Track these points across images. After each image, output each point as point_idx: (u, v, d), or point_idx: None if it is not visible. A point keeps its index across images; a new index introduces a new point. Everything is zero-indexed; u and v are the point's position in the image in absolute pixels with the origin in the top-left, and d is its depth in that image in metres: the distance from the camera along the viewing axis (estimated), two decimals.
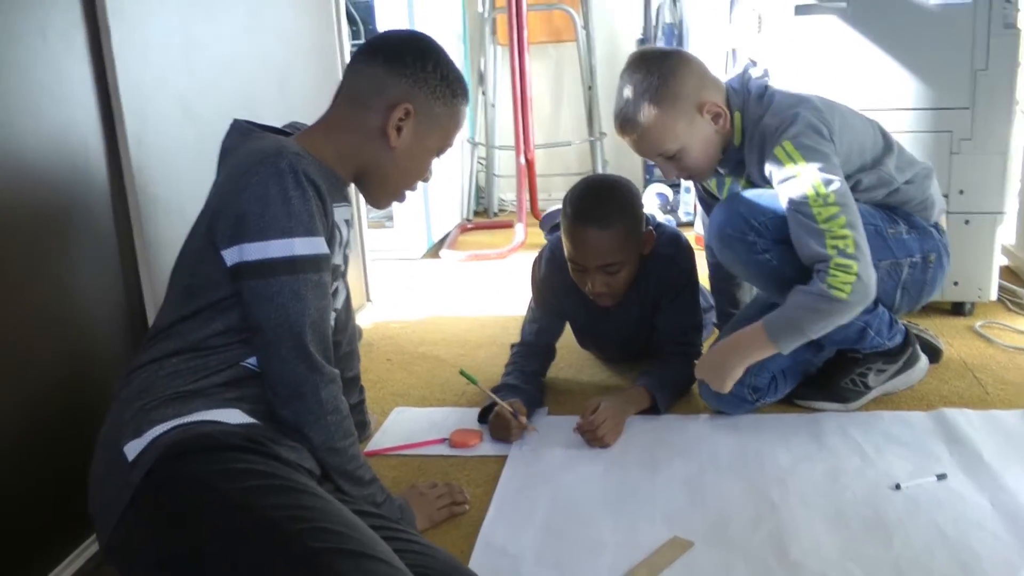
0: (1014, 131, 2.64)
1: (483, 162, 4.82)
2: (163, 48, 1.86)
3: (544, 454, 2.04)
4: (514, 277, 3.59)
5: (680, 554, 1.63)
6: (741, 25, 3.06)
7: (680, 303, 2.29)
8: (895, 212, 2.13)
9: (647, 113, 1.98)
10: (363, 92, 1.56)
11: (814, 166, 1.92)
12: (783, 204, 1.97)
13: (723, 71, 2.13)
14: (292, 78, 2.49)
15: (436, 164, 1.68)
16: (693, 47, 4.15)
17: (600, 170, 4.60)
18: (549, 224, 2.44)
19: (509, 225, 4.43)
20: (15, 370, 1.50)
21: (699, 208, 2.99)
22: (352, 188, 1.66)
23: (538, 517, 1.78)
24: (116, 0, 1.68)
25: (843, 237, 1.90)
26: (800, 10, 2.63)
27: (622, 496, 1.85)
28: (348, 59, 2.86)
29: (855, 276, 1.89)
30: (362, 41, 3.75)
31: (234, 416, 1.41)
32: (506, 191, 4.90)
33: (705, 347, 2.33)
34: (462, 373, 2.18)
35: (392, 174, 1.62)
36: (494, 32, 4.56)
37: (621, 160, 4.57)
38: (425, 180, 1.69)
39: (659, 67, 1.98)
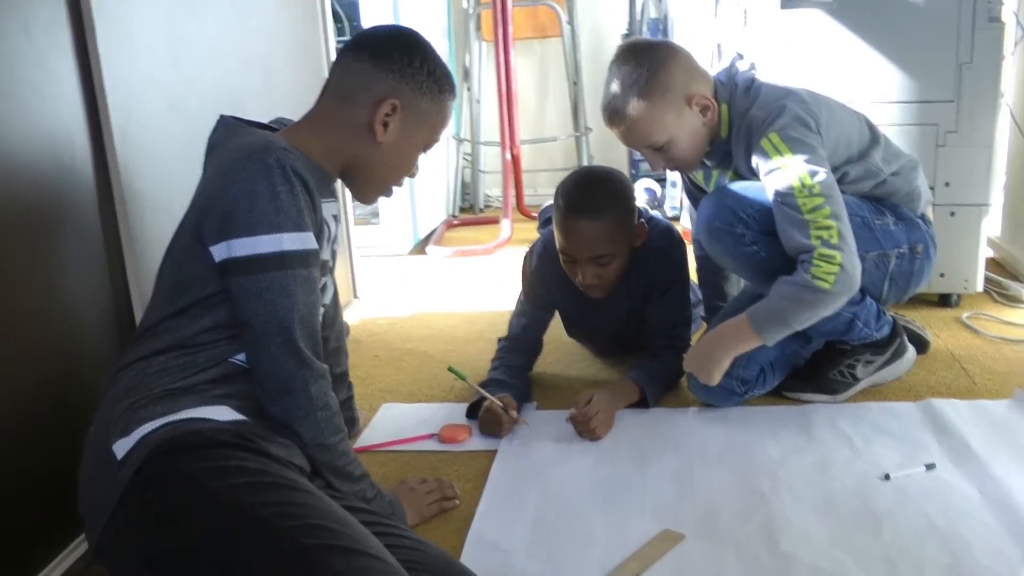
0: (999, 124, 2.65)
1: (468, 158, 4.82)
2: (148, 44, 1.85)
3: (534, 448, 2.04)
4: (501, 273, 3.58)
5: (671, 547, 1.63)
6: (726, 20, 3.06)
7: (671, 297, 2.30)
8: (882, 204, 2.14)
9: (636, 105, 1.98)
10: (350, 88, 1.56)
11: (800, 158, 1.93)
12: (769, 196, 1.98)
13: (709, 66, 2.13)
14: (277, 74, 2.48)
15: (422, 160, 1.68)
16: (678, 42, 4.14)
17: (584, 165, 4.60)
18: (543, 219, 2.44)
19: (495, 221, 4.43)
20: (1, 369, 1.49)
21: (686, 202, 2.99)
22: (339, 184, 1.65)
23: (529, 511, 1.78)
24: None
25: (827, 228, 1.90)
26: (786, 4, 2.63)
27: (612, 490, 1.85)
28: (333, 56, 2.88)
29: (839, 266, 1.89)
30: (347, 38, 3.75)
31: (223, 413, 1.40)
32: (491, 187, 4.90)
33: (694, 340, 2.33)
34: (450, 370, 2.17)
35: (379, 169, 1.61)
36: (479, 28, 4.55)
37: (607, 155, 4.57)
38: (412, 175, 1.68)
39: (648, 59, 1.99)
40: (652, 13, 4.39)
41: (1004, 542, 1.58)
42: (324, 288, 1.59)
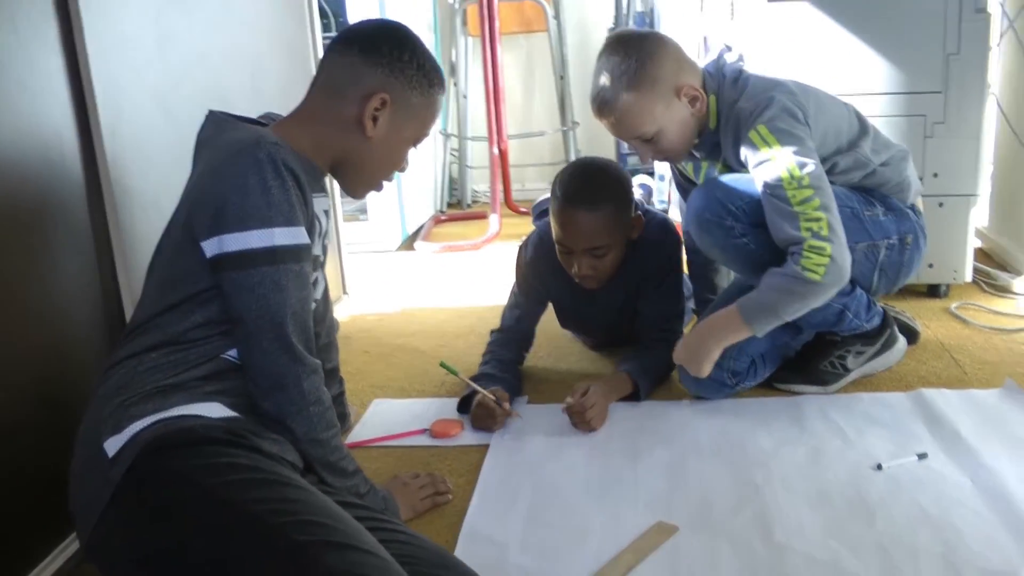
0: (986, 114, 2.65)
1: (455, 153, 4.81)
2: (136, 40, 1.84)
3: (526, 443, 2.04)
4: (489, 267, 3.58)
5: (665, 539, 1.63)
6: (713, 13, 3.06)
7: (664, 290, 2.30)
8: (872, 194, 2.14)
9: (625, 96, 1.98)
10: (339, 82, 1.55)
11: (788, 149, 1.93)
12: (758, 188, 1.98)
13: (696, 59, 2.13)
14: (264, 70, 2.47)
15: (412, 155, 1.67)
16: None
17: (573, 159, 4.59)
18: (538, 212, 2.44)
19: (482, 216, 4.42)
20: None
21: (674, 196, 2.99)
22: (329, 179, 1.65)
23: (522, 505, 1.78)
24: None
25: (817, 219, 1.90)
26: None
27: (605, 483, 1.85)
28: (320, 52, 2.88)
29: (829, 258, 1.90)
30: (333, 34, 3.73)
31: (215, 410, 1.39)
32: (479, 182, 4.90)
33: (685, 332, 2.34)
34: (442, 365, 2.17)
35: (368, 164, 1.61)
36: (465, 23, 4.55)
37: (594, 149, 4.57)
38: (402, 170, 1.67)
39: (637, 50, 1.98)
40: (638, 7, 4.38)
41: (997, 530, 1.59)
42: (315, 283, 1.59)
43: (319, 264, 1.62)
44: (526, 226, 4.01)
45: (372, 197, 3.74)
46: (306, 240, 1.45)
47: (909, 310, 2.58)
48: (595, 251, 2.15)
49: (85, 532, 1.34)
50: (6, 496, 1.51)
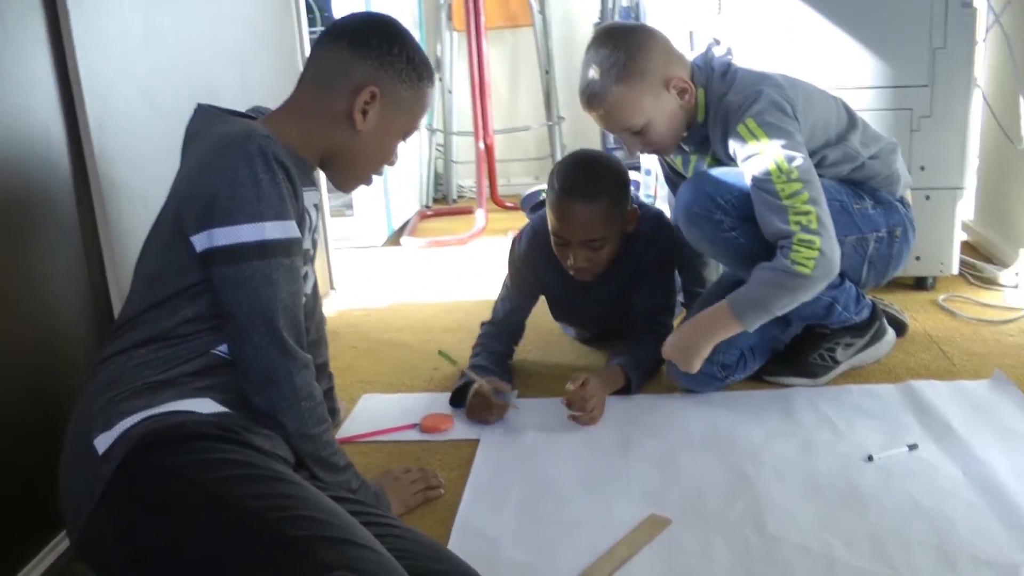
0: (972, 108, 2.66)
1: (441, 149, 4.80)
2: (123, 33, 1.83)
3: (516, 436, 2.03)
4: (476, 262, 3.58)
5: (659, 531, 1.63)
6: (699, 7, 3.05)
7: (657, 283, 2.31)
8: (861, 187, 2.15)
9: (614, 88, 1.98)
10: (328, 75, 1.54)
11: (777, 143, 1.93)
12: (747, 182, 1.98)
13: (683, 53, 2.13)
14: (251, 64, 2.45)
15: (400, 148, 1.66)
16: None
17: (559, 155, 4.59)
18: (529, 205, 2.44)
19: (468, 211, 4.42)
20: None
21: (660, 191, 2.99)
22: (317, 173, 1.64)
23: (514, 499, 1.78)
24: None
25: (806, 213, 1.91)
26: None
27: (597, 476, 1.84)
28: (307, 46, 2.86)
29: (818, 251, 1.90)
30: (319, 29, 3.72)
31: (206, 405, 1.38)
32: (464, 177, 4.88)
33: (675, 324, 2.34)
34: (441, 354, 2.16)
35: (358, 158, 1.60)
36: (450, 18, 4.53)
37: (580, 143, 4.53)
38: (391, 164, 1.66)
39: (626, 42, 1.98)
40: (624, 1, 4.37)
41: (989, 521, 1.60)
42: (306, 277, 1.58)
43: (309, 258, 1.61)
44: (512, 221, 4.03)
45: (357, 193, 3.73)
46: (297, 234, 1.44)
47: (896, 302, 2.59)
48: (592, 243, 2.15)
49: (75, 529, 1.32)
50: None
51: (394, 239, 4.07)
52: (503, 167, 4.65)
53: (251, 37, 2.50)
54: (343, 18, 1.62)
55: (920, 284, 2.83)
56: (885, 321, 2.26)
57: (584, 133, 4.45)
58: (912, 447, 1.85)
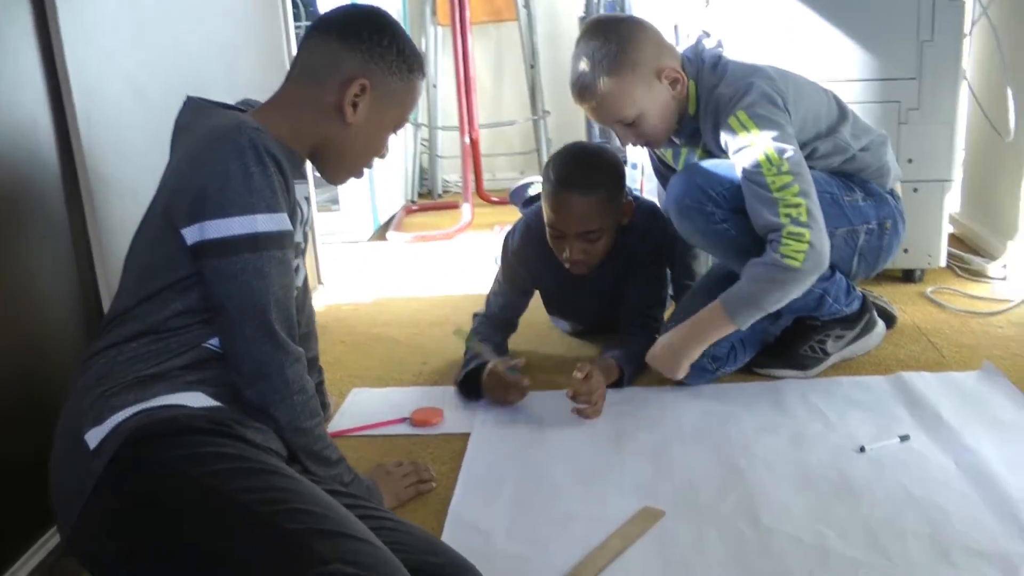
0: (960, 101, 2.67)
1: (426, 143, 4.78)
2: (111, 26, 1.81)
3: (508, 429, 2.03)
4: (462, 257, 3.57)
5: (652, 524, 1.63)
6: (684, 1, 3.05)
7: (650, 277, 2.31)
8: (851, 179, 2.15)
9: (606, 80, 1.97)
10: (317, 68, 1.52)
11: (768, 135, 1.93)
12: (738, 174, 1.98)
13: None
14: (238, 58, 2.44)
15: (391, 141, 1.65)
16: None
17: (545, 149, 4.59)
18: (518, 199, 2.44)
19: (454, 206, 4.40)
20: None
21: (647, 185, 2.99)
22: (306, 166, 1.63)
23: (506, 492, 1.77)
24: None
25: (796, 206, 1.91)
26: None
27: (589, 469, 1.84)
28: (293, 39, 2.85)
29: (808, 244, 1.90)
30: (303, 23, 3.70)
31: (198, 399, 1.37)
32: (449, 172, 4.87)
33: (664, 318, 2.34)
34: (457, 333, 2.15)
35: (349, 150, 1.58)
36: (434, 12, 4.51)
37: (565, 138, 4.50)
38: (382, 156, 1.65)
39: (617, 33, 1.98)
40: None
41: (982, 511, 1.60)
42: (297, 270, 1.57)
43: (300, 251, 1.59)
44: (498, 215, 4.03)
45: (343, 188, 3.74)
46: (288, 227, 1.43)
47: (885, 295, 2.59)
48: (588, 235, 2.15)
49: (67, 525, 1.31)
50: None
51: (380, 234, 4.05)
52: (488, 162, 4.64)
53: (238, 31, 2.48)
54: (332, 10, 1.61)
55: (908, 276, 2.83)
56: (875, 313, 2.27)
57: (569, 127, 4.44)
58: (904, 438, 1.85)
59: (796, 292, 1.96)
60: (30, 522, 1.57)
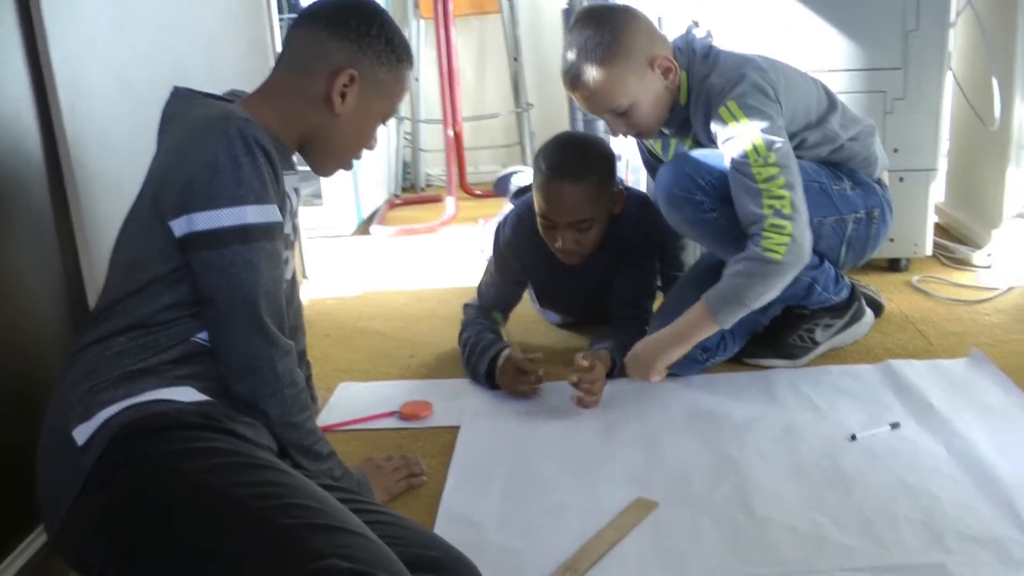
0: (945, 90, 2.68)
1: (409, 137, 4.76)
2: (96, 16, 1.78)
3: (497, 421, 2.02)
4: (447, 251, 3.55)
5: (646, 514, 1.63)
6: None
7: (641, 267, 2.31)
8: (840, 169, 2.15)
9: (599, 69, 1.96)
10: (306, 58, 1.51)
11: (757, 126, 1.93)
12: (727, 163, 1.97)
13: None
14: (222, 49, 2.42)
15: (380, 132, 1.64)
16: None
17: (528, 142, 4.58)
18: (502, 189, 2.42)
19: (437, 199, 4.39)
20: None
21: (630, 176, 2.98)
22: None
23: (498, 484, 1.77)
24: None
25: (780, 197, 1.90)
26: None
27: (581, 460, 1.84)
28: (276, 30, 2.83)
29: (789, 237, 1.89)
30: (287, 15, 3.67)
31: (187, 394, 1.35)
32: (432, 166, 4.85)
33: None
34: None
35: (337, 141, 1.57)
36: (417, 5, 4.49)
37: (549, 131, 4.49)
38: (370, 147, 1.64)
39: (610, 22, 1.97)
40: None
41: (974, 497, 1.61)
42: (286, 263, 1.55)
43: (290, 243, 1.58)
44: (482, 208, 4.01)
45: (327, 182, 3.73)
46: (278, 218, 1.41)
47: (871, 284, 2.60)
48: (579, 224, 2.14)
49: (54, 524, 1.29)
50: None
51: (363, 228, 4.03)
52: (471, 155, 4.63)
53: (222, 22, 2.46)
54: (321, 0, 1.59)
55: (894, 265, 2.84)
56: (864, 302, 2.27)
57: (552, 120, 4.44)
58: (894, 426, 1.86)
59: (778, 286, 1.95)
60: (15, 521, 1.54)
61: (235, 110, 1.40)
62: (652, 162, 2.43)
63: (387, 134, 4.55)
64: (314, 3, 1.57)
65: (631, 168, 2.97)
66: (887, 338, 2.34)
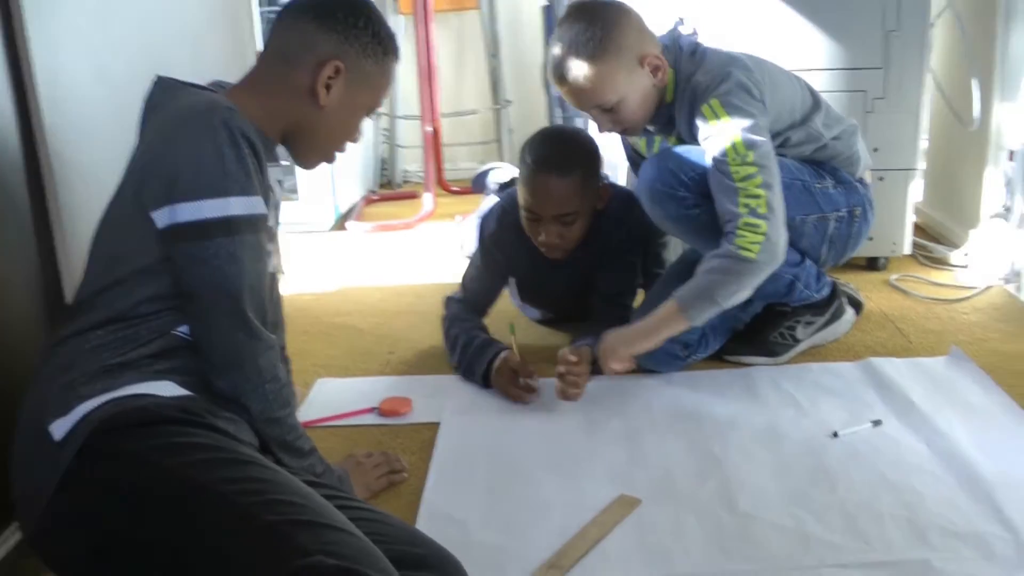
0: (925, 90, 2.70)
1: (386, 133, 4.74)
2: (76, 6, 1.75)
3: (478, 418, 2.01)
4: (424, 247, 3.54)
5: (629, 511, 1.63)
6: None
7: (624, 264, 2.30)
8: (822, 167, 2.16)
9: (589, 64, 1.94)
10: (291, 49, 1.49)
11: (738, 124, 1.93)
12: (708, 161, 1.97)
13: None
14: (204, 40, 2.40)
15: (365, 125, 1.62)
16: None
17: (506, 139, 4.57)
18: (479, 185, 2.41)
19: (414, 196, 4.37)
20: None
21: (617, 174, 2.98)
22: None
23: (480, 481, 1.76)
24: None
25: (756, 196, 1.90)
26: None
27: (563, 457, 1.83)
28: (258, 22, 2.81)
29: (763, 236, 1.89)
30: (269, 8, 3.64)
31: (168, 388, 1.33)
32: (409, 162, 4.83)
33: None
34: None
35: (321, 133, 1.55)
36: (396, 1, 4.47)
37: (528, 127, 4.49)
38: (355, 140, 1.62)
39: (601, 18, 1.95)
40: None
41: (956, 493, 1.62)
42: (270, 256, 1.53)
43: (273, 236, 1.56)
44: (460, 205, 4.00)
45: (303, 177, 3.70)
46: (263, 210, 1.39)
47: (850, 282, 2.61)
48: (564, 218, 2.13)
49: (31, 521, 1.28)
50: None
51: (340, 224, 4.01)
52: (449, 151, 4.61)
53: (204, 14, 2.44)
54: None
55: (872, 264, 2.86)
56: (845, 300, 2.28)
57: (531, 117, 4.43)
58: (876, 423, 1.87)
59: (751, 285, 1.94)
60: None
61: (220, 100, 1.38)
62: (635, 159, 2.42)
63: (365, 130, 4.53)
64: None
65: (611, 165, 2.97)
66: (867, 336, 2.35)
